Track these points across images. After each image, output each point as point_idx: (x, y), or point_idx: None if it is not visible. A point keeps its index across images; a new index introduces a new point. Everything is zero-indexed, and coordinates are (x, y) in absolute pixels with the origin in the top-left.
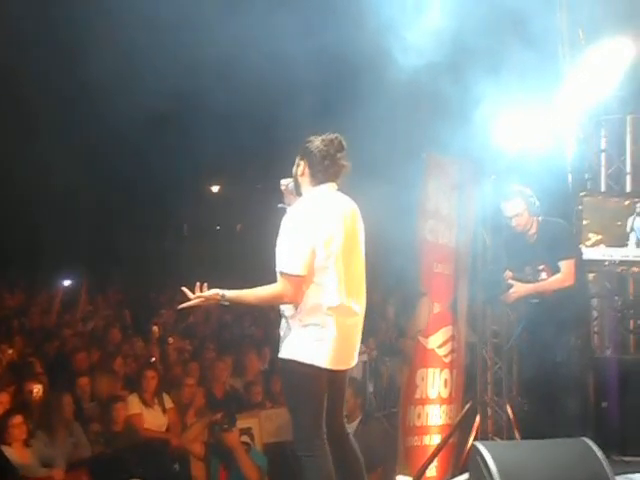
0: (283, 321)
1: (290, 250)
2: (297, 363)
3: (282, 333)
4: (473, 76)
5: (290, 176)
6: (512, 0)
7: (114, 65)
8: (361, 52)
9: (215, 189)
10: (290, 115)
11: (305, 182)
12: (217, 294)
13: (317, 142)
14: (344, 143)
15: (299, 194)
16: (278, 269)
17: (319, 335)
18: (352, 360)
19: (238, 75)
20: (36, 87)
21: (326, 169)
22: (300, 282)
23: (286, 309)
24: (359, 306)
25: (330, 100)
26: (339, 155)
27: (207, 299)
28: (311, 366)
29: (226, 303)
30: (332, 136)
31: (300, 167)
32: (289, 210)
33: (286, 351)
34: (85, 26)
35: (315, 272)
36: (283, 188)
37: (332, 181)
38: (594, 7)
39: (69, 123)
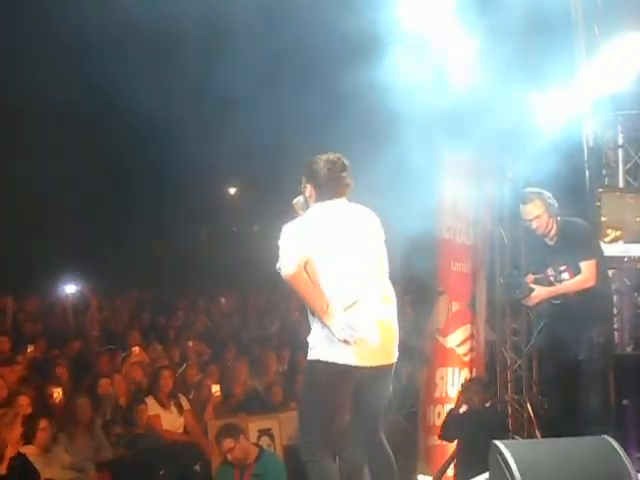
0: (310, 322)
1: (281, 253)
2: (321, 363)
3: (309, 335)
4: (488, 75)
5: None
6: None
7: (134, 67)
8: (383, 51)
9: (232, 191)
10: (305, 120)
11: (312, 200)
12: None
13: (321, 165)
14: (346, 163)
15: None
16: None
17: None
18: (385, 357)
19: (255, 80)
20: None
21: (332, 190)
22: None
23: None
24: (382, 298)
25: (345, 101)
26: (343, 175)
27: None
28: (335, 364)
29: None
30: (334, 157)
31: (307, 189)
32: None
33: (311, 352)
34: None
35: (317, 276)
36: (294, 203)
37: (339, 197)
38: (610, 2)
39: (85, 127)
